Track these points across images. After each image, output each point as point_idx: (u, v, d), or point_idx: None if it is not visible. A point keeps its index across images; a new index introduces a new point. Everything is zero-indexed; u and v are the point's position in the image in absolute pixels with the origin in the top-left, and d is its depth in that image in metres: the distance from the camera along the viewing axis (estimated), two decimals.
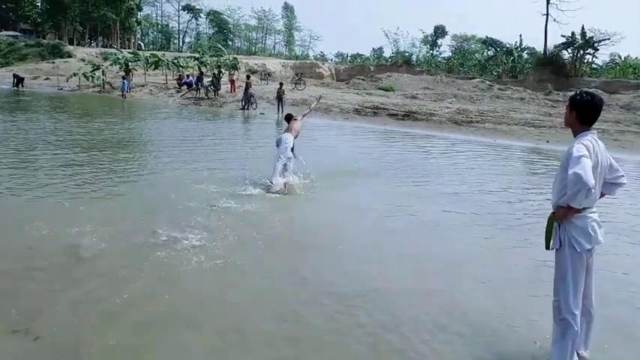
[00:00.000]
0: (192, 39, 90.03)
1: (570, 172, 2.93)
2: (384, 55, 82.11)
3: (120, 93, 29.15)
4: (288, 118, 9.38)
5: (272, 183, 8.00)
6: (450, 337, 3.75)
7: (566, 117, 3.30)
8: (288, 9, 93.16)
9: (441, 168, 11.73)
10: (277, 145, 8.58)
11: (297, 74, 36.66)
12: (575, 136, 3.24)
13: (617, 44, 48.28)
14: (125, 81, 29.29)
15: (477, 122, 22.76)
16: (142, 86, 32.29)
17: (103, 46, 64.30)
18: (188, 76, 31.62)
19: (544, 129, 21.40)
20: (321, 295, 4.37)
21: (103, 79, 32.34)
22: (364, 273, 4.94)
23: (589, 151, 3.02)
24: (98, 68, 33.39)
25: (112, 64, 34.83)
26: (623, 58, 48.55)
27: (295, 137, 8.82)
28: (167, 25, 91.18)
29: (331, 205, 7.64)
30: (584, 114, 3.18)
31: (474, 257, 5.63)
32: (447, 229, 6.69)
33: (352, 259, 5.37)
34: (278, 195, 7.82)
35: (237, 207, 6.95)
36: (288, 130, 8.95)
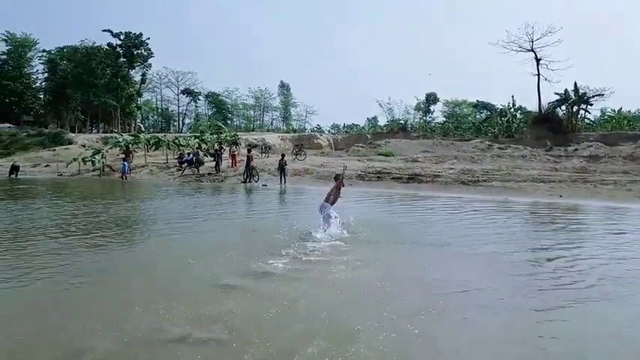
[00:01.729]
0: (192, 120, 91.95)
1: None
2: (378, 123, 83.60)
3: (120, 175, 28.96)
4: (337, 177, 11.00)
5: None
6: None
7: None
8: (284, 87, 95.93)
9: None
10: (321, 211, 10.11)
11: (297, 145, 36.76)
12: None
13: (607, 99, 49.15)
14: (125, 162, 29.20)
15: (484, 181, 22.33)
16: (143, 167, 32.21)
17: (104, 132, 65.39)
18: (189, 154, 31.61)
19: (554, 184, 20.92)
20: None
21: (103, 162, 32.31)
22: None
23: None
24: (99, 152, 33.49)
25: (112, 147, 34.99)
26: (616, 111, 49.16)
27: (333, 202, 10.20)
28: (167, 109, 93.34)
29: None
30: None
31: None
32: None
33: None
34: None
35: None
36: (328, 200, 10.20)
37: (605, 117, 53.83)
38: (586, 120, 49.74)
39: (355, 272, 7.12)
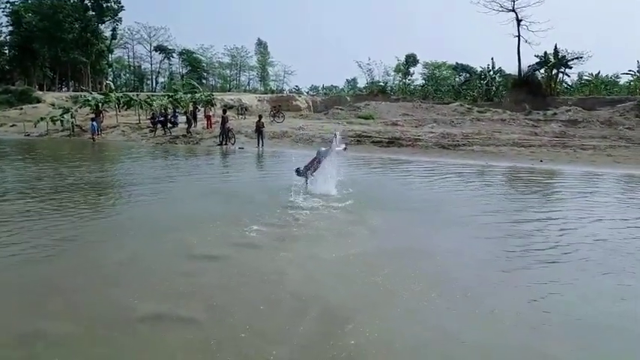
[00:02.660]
0: (166, 79, 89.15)
1: None
2: (358, 85, 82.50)
3: (90, 136, 27.85)
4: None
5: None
6: None
7: None
8: (261, 45, 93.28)
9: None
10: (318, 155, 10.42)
11: (275, 107, 35.91)
12: None
13: (584, 63, 49.17)
14: (94, 123, 28.03)
15: (464, 145, 22.11)
16: (114, 127, 31.06)
17: (74, 90, 62.86)
18: (162, 114, 30.53)
19: (534, 148, 20.82)
20: None
21: (72, 122, 31.00)
22: None
23: None
24: (68, 111, 32.08)
25: (81, 107, 33.56)
26: (595, 76, 49.30)
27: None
28: (139, 67, 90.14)
29: None
30: None
31: None
32: None
33: None
34: None
35: None
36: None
37: (583, 81, 53.99)
38: (564, 84, 49.83)
39: (341, 240, 6.76)
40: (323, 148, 10.79)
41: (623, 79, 57.10)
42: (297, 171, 10.31)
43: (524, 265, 5.87)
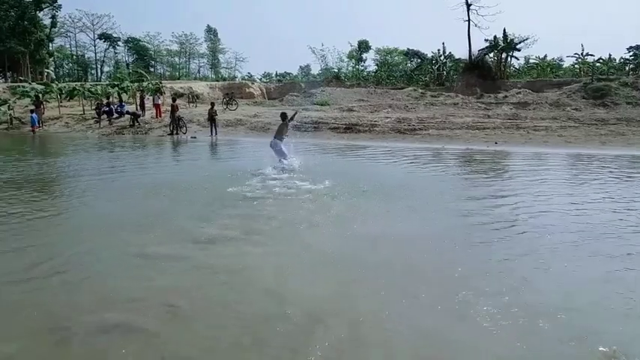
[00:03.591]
0: (111, 68, 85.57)
1: None
2: (312, 72, 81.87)
3: (30, 128, 26.16)
4: (284, 116, 12.48)
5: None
6: None
7: None
8: (211, 32, 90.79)
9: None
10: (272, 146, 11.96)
11: (227, 94, 34.81)
12: None
13: (531, 46, 50.52)
14: (34, 115, 26.34)
15: (420, 129, 22.12)
16: (57, 119, 29.33)
17: (12, 82, 59.23)
18: (108, 104, 29.04)
19: (488, 130, 21.05)
20: None
21: (10, 115, 29.06)
22: None
23: None
24: (5, 103, 30.03)
25: (20, 98, 31.49)
26: (541, 59, 50.72)
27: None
28: (83, 56, 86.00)
29: None
30: None
31: None
32: None
33: None
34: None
35: None
36: (279, 133, 12.13)
37: (530, 64, 55.52)
38: (513, 67, 51.02)
39: (312, 230, 6.38)
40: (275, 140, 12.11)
41: (567, 62, 59.25)
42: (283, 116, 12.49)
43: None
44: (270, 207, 7.72)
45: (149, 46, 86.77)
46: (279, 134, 12.11)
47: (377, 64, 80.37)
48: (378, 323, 3.85)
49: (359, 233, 6.32)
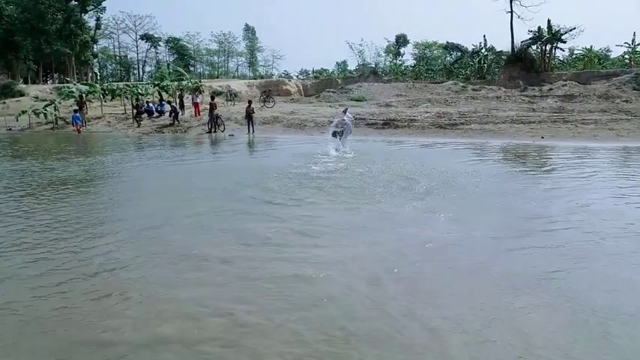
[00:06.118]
0: (153, 68, 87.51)
1: None
2: (348, 67, 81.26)
3: (74, 128, 26.87)
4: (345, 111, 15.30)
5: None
6: None
7: None
8: (249, 30, 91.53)
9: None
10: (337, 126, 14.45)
11: (264, 92, 34.83)
12: None
13: (576, 37, 48.26)
14: (77, 114, 27.03)
15: (462, 124, 21.44)
16: (99, 118, 30.06)
17: (59, 83, 61.30)
18: (148, 102, 29.49)
19: (534, 125, 20.19)
20: None
21: (55, 115, 29.95)
22: None
23: None
24: (51, 104, 30.97)
25: (65, 98, 32.43)
26: (588, 50, 48.57)
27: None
28: (126, 56, 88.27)
29: None
30: None
31: None
32: None
33: None
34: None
35: None
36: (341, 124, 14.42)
37: (575, 56, 53.22)
38: (558, 59, 49.04)
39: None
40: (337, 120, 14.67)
41: (615, 53, 56.54)
42: (334, 134, 14.50)
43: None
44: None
45: (189, 45, 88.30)
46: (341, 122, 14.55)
47: (415, 58, 79.12)
48: None
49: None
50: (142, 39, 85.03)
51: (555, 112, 23.82)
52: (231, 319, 3.80)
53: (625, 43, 46.03)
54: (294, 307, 3.97)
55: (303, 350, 3.34)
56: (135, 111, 28.08)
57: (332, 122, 15.00)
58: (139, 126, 26.60)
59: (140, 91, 31.52)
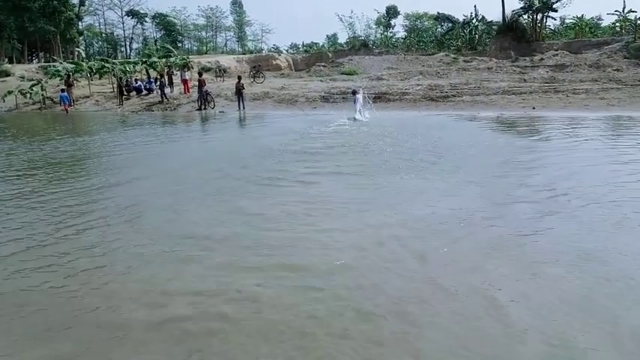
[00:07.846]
0: (140, 45, 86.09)
1: None
2: (339, 41, 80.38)
3: (62, 107, 26.53)
4: (354, 92, 17.65)
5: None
6: None
7: None
8: (236, 4, 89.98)
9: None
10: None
11: (254, 67, 34.43)
12: None
13: (567, 6, 47.93)
14: (64, 94, 26.65)
15: (453, 96, 21.42)
16: (87, 97, 29.67)
17: (45, 62, 60.18)
18: (136, 80, 29.10)
19: (525, 95, 20.19)
20: None
21: (42, 95, 29.50)
22: None
23: None
24: (38, 83, 30.47)
25: (51, 77, 31.91)
26: (579, 18, 48.22)
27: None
28: (112, 34, 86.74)
29: None
30: None
31: None
32: None
33: None
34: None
35: None
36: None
37: (566, 25, 52.87)
38: (548, 29, 48.75)
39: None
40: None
41: (606, 21, 56.15)
42: (354, 92, 17.66)
43: None
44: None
45: (176, 21, 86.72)
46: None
47: (406, 30, 78.24)
48: None
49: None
50: (128, 15, 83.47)
51: (547, 83, 23.79)
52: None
53: (616, 11, 45.58)
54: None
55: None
56: (121, 89, 27.68)
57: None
58: (121, 104, 26.31)
59: (127, 69, 31.06)
